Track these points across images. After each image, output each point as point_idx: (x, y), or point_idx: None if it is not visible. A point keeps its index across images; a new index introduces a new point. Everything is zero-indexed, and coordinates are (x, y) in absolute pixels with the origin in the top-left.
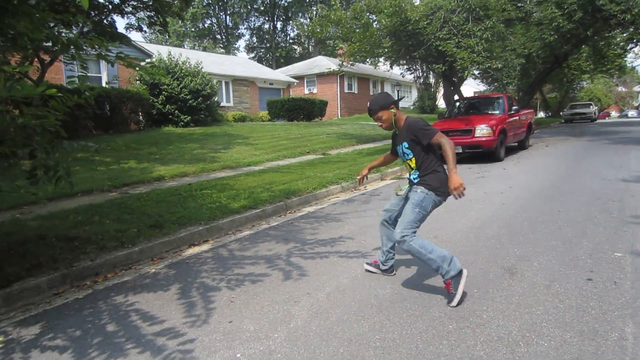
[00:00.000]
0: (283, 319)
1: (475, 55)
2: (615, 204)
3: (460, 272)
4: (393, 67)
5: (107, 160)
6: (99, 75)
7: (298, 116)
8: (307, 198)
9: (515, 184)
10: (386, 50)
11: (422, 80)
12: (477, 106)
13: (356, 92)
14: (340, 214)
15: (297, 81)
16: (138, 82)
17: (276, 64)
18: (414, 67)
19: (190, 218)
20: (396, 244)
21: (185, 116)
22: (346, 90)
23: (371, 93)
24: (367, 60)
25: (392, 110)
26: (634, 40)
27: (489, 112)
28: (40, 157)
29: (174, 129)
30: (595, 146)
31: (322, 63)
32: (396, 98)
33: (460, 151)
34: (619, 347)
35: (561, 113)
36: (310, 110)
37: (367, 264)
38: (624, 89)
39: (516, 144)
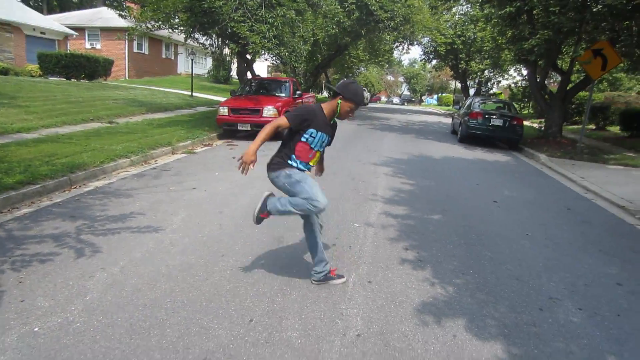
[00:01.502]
0: (78, 293)
1: (266, 40)
2: (363, 184)
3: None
4: (187, 40)
5: None
6: None
7: (78, 74)
8: (94, 172)
9: None
10: (181, 23)
11: (217, 53)
12: (266, 87)
13: (147, 52)
14: (130, 189)
15: (77, 33)
16: None
17: (48, 8)
18: (210, 40)
19: None
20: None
21: None
22: (135, 50)
23: (163, 56)
24: (162, 27)
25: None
26: (398, 41)
27: (276, 94)
28: None
29: None
30: (360, 130)
31: (107, 16)
32: (191, 68)
33: (249, 129)
34: (342, 291)
35: None
36: (93, 69)
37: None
38: (392, 78)
39: None
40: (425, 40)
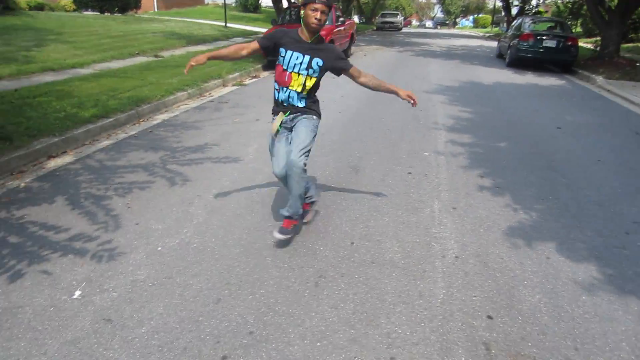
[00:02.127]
0: (185, 217)
1: None
2: (421, 112)
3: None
4: None
5: None
6: None
7: (112, 8)
8: (157, 106)
9: (345, 92)
10: None
11: None
12: None
13: None
14: (196, 121)
15: None
16: None
17: None
18: None
19: (39, 129)
20: (293, 169)
21: None
22: None
23: None
24: None
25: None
26: None
27: None
28: None
29: None
30: (403, 57)
31: None
32: None
33: None
34: (430, 217)
35: (373, 20)
36: (125, 1)
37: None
38: (424, 0)
39: None
40: None
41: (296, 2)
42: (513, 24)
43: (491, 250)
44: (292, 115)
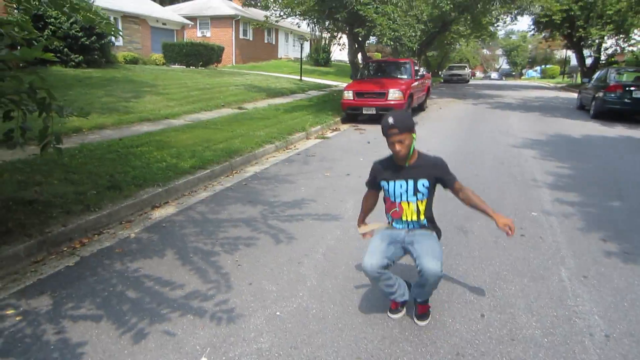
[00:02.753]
0: (297, 279)
1: (391, 22)
2: (516, 169)
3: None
4: (316, 27)
5: None
6: None
7: (196, 62)
8: (248, 158)
9: (430, 147)
10: (309, 9)
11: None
12: (386, 70)
13: (251, 38)
14: (287, 175)
15: (192, 23)
16: (16, 11)
17: (161, 0)
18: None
19: (144, 179)
20: (434, 278)
21: (77, 55)
22: (241, 36)
23: (265, 41)
24: (286, 18)
25: (414, 135)
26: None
27: (397, 76)
28: (18, 118)
29: (65, 70)
30: (479, 110)
31: (216, 4)
32: (300, 53)
33: (374, 112)
34: (561, 287)
35: (440, 73)
36: (209, 56)
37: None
38: (488, 52)
39: (417, 105)
40: (537, 8)
41: (370, 57)
42: (596, 75)
43: None
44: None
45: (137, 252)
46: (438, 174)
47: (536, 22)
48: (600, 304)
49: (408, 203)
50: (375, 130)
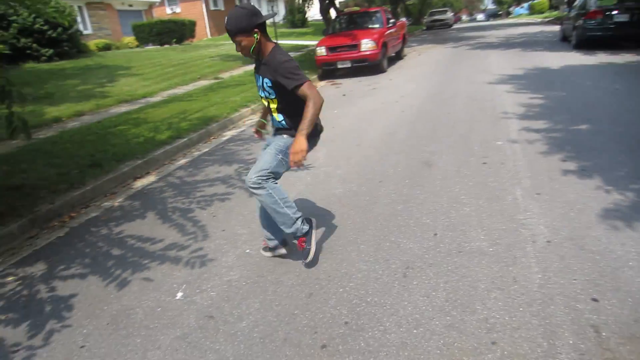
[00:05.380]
0: None
1: None
2: (488, 103)
3: (311, 226)
4: None
5: None
6: None
7: (170, 40)
8: (224, 123)
9: (405, 92)
10: None
11: None
12: (357, 21)
13: (223, 8)
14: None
15: (159, 0)
16: None
17: None
18: None
19: (124, 154)
20: (250, 190)
21: (47, 49)
22: (212, 8)
23: None
24: None
25: (256, 35)
26: None
27: (369, 26)
28: None
29: (38, 65)
30: (459, 52)
31: None
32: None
33: (349, 65)
34: (514, 204)
35: (422, 20)
36: (181, 32)
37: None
38: None
39: (394, 54)
40: None
41: (342, 10)
42: (576, 2)
43: (586, 233)
44: (272, 132)
45: (120, 218)
46: (277, 76)
47: None
48: (548, 215)
49: (265, 99)
50: (351, 83)
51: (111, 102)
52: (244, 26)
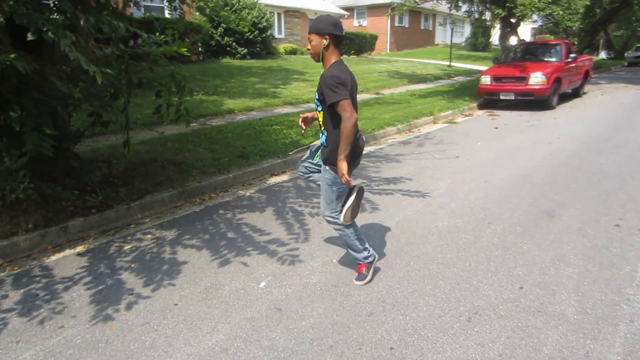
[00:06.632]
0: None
1: (536, 0)
2: None
3: (374, 259)
4: (452, 9)
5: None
6: (162, 5)
7: (349, 51)
8: (367, 138)
9: (564, 134)
10: None
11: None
12: (533, 52)
13: (407, 25)
14: (398, 154)
15: (348, 13)
16: (198, 13)
17: None
18: (472, 7)
19: (269, 151)
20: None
21: (242, 49)
22: (397, 24)
23: (422, 27)
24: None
25: (325, 41)
26: None
27: (545, 59)
28: (164, 97)
29: (232, 61)
30: None
31: None
32: (450, 37)
33: (512, 98)
34: (629, 276)
35: (625, 54)
36: (361, 44)
37: None
38: None
39: (571, 91)
40: None
41: (523, 40)
42: None
43: None
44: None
45: (245, 207)
46: (323, 88)
47: None
48: None
49: (316, 112)
50: (510, 116)
51: (278, 103)
52: (320, 27)
